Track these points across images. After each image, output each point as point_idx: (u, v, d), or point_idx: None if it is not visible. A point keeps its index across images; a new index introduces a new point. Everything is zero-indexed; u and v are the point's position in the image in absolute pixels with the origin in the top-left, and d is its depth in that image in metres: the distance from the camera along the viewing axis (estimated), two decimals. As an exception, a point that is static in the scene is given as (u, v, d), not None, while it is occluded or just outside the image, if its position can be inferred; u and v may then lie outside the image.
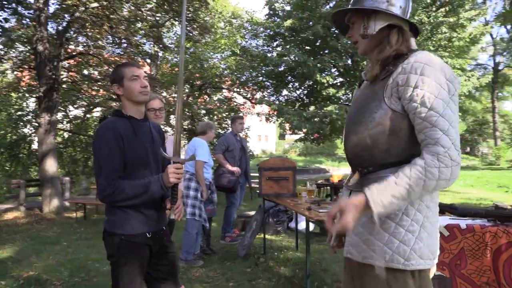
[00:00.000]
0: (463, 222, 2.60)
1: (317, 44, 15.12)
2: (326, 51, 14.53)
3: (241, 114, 8.09)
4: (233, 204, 5.56)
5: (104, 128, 1.93)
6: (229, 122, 10.28)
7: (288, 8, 16.25)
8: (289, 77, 16.29)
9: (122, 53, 11.39)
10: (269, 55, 15.08)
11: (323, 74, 14.14)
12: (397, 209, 1.31)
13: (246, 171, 5.68)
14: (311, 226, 6.26)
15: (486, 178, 16.11)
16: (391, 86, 1.36)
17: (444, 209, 3.11)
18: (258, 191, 4.92)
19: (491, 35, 26.37)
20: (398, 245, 1.34)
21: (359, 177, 1.47)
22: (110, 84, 2.22)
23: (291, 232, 6.11)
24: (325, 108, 13.76)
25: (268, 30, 16.23)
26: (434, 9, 14.14)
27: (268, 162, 4.49)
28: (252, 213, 6.27)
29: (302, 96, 16.53)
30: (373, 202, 1.24)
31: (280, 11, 16.53)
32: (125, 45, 10.51)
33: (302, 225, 5.95)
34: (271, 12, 16.68)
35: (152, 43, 12.54)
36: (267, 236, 5.51)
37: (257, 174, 4.52)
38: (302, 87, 16.38)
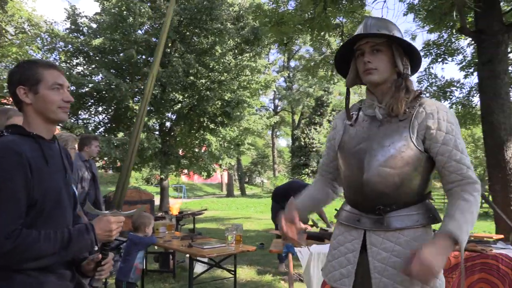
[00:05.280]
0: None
1: (124, 67, 14.54)
2: (138, 77, 14.14)
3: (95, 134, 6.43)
4: None
5: (5, 149, 1.28)
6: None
7: (94, 25, 15.14)
8: (92, 100, 14.99)
9: None
10: (73, 72, 13.58)
11: (135, 100, 13.64)
12: None
13: (97, 204, 4.40)
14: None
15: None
16: (418, 129, 1.42)
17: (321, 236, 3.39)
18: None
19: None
20: (434, 281, 1.38)
21: (378, 215, 1.45)
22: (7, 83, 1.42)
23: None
24: (136, 136, 13.17)
25: (70, 46, 14.62)
26: (237, 52, 15.73)
27: (123, 195, 3.93)
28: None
29: (106, 121, 15.40)
30: (462, 242, 1.27)
31: (85, 28, 15.23)
32: None
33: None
34: (73, 27, 15.18)
35: None
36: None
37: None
38: (106, 112, 15.30)
